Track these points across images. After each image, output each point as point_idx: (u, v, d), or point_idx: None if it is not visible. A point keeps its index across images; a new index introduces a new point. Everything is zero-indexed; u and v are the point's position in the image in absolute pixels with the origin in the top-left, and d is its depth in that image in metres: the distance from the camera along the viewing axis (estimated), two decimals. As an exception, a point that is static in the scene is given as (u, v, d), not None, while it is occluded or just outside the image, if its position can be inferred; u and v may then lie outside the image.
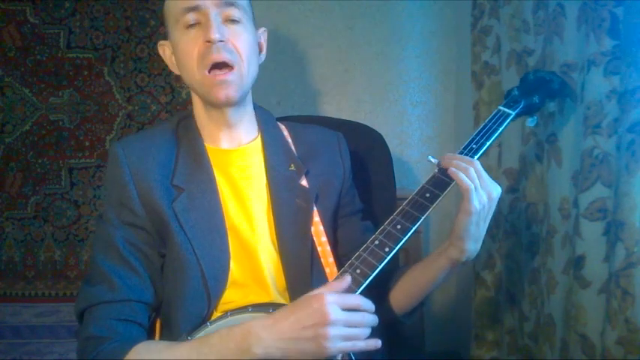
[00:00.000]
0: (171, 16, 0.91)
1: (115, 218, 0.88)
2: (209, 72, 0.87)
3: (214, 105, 0.91)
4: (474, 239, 0.84)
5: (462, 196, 0.82)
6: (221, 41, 0.86)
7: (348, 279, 0.78)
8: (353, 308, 0.75)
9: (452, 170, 0.83)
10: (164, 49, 0.97)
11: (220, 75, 0.87)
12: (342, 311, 0.73)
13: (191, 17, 0.87)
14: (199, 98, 0.94)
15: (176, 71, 0.96)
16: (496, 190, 0.83)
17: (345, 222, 1.02)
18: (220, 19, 0.87)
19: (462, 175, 0.82)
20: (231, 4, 0.88)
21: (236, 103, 0.92)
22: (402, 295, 0.96)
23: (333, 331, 0.72)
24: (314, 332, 0.72)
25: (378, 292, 0.96)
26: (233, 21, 0.89)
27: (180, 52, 0.90)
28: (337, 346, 0.72)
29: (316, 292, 0.76)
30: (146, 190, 0.88)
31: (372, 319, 0.76)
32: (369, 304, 0.76)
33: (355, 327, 0.74)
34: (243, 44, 0.89)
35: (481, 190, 0.82)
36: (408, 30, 1.73)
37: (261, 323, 0.74)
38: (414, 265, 0.97)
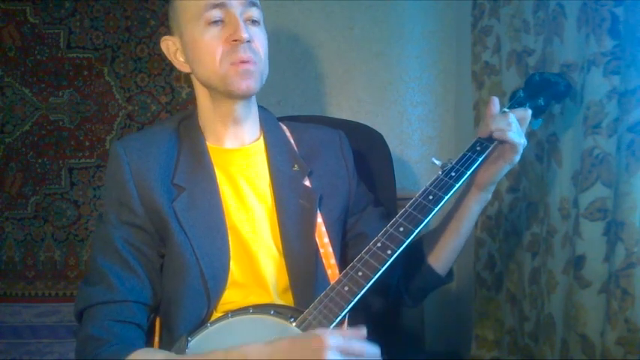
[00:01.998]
0: (189, 12, 0.89)
1: (115, 218, 0.88)
2: (232, 65, 0.88)
3: (233, 96, 0.91)
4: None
5: (505, 146, 0.87)
6: (248, 41, 0.87)
7: (362, 332, 0.73)
8: (355, 355, 0.71)
9: (505, 134, 0.87)
10: (168, 45, 0.95)
11: (244, 65, 0.88)
12: (342, 357, 0.69)
13: (216, 14, 0.87)
14: (210, 94, 0.93)
15: (182, 68, 0.95)
16: (527, 115, 0.94)
17: (363, 215, 1.03)
18: (243, 19, 0.88)
19: (512, 135, 0.86)
20: (254, 4, 0.90)
21: (251, 96, 0.93)
22: (442, 253, 0.97)
23: None
24: None
25: (414, 259, 0.98)
26: (254, 22, 0.90)
27: (200, 48, 0.89)
28: None
29: (321, 330, 0.73)
30: (146, 190, 0.88)
31: None
32: (373, 351, 0.72)
33: None
34: (262, 46, 0.91)
35: (524, 138, 0.88)
36: (408, 30, 1.73)
37: (260, 350, 0.73)
38: (439, 224, 0.98)
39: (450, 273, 1.01)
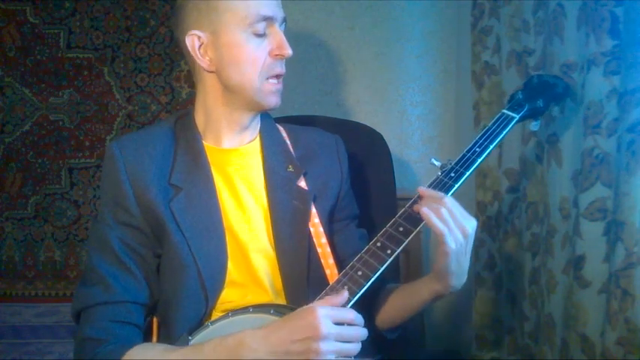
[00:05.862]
0: (234, 15, 0.87)
1: (111, 218, 0.88)
2: (267, 80, 0.91)
3: (258, 108, 0.94)
4: (456, 275, 0.83)
5: (437, 239, 0.80)
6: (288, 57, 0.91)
7: (344, 294, 0.78)
8: (346, 322, 0.74)
9: (424, 213, 0.80)
10: (194, 40, 0.90)
11: (277, 84, 0.92)
12: (335, 325, 0.73)
13: (262, 27, 0.88)
14: (225, 99, 0.92)
15: (205, 65, 0.90)
16: (471, 226, 0.81)
17: (342, 227, 1.02)
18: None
19: (435, 219, 0.79)
20: (285, 20, 0.93)
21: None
22: (385, 315, 0.97)
23: (324, 345, 0.71)
24: (305, 346, 0.72)
25: (363, 306, 0.96)
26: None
27: (241, 55, 0.89)
28: None
29: (310, 305, 0.76)
30: (142, 190, 0.88)
31: (363, 333, 0.76)
32: (360, 319, 0.76)
33: (347, 342, 0.74)
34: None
35: (456, 230, 0.79)
36: (408, 30, 1.73)
37: (254, 334, 0.74)
38: (398, 289, 0.97)
39: (395, 331, 0.99)
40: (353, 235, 1.03)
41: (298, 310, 0.76)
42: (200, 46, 0.90)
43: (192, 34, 0.89)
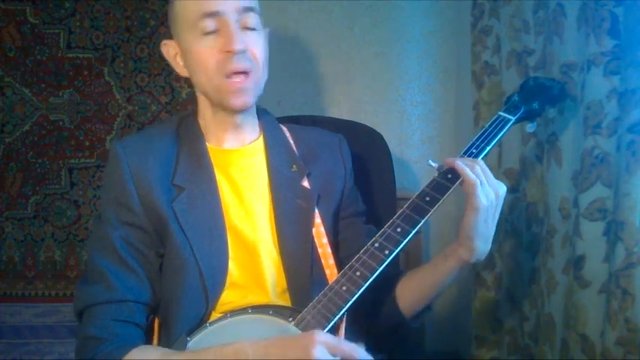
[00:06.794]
0: (184, 19, 0.88)
1: (114, 217, 0.88)
2: (226, 78, 0.86)
3: (228, 111, 0.91)
4: (483, 238, 0.83)
5: (468, 194, 0.82)
6: (243, 52, 0.85)
7: (362, 351, 0.72)
8: (344, 356, 0.71)
9: (458, 165, 0.83)
10: (168, 50, 0.94)
11: (238, 83, 0.87)
12: (329, 355, 0.70)
13: (210, 24, 0.85)
14: (209, 102, 0.93)
15: (182, 73, 0.94)
16: (502, 188, 0.83)
17: (349, 224, 1.02)
18: (239, 26, 0.86)
19: (468, 170, 0.82)
20: (250, 10, 0.87)
21: (248, 110, 0.93)
22: (410, 298, 0.96)
23: None
24: None
25: (383, 294, 0.96)
26: (250, 28, 0.88)
27: (196, 58, 0.88)
28: None
29: (314, 330, 0.73)
30: (146, 190, 0.88)
31: None
32: (364, 355, 0.71)
33: None
34: (260, 52, 0.89)
35: (487, 186, 0.82)
36: (408, 30, 1.73)
37: (253, 345, 0.74)
38: (420, 268, 0.96)
39: (416, 318, 0.98)
40: (360, 231, 1.02)
41: (304, 332, 0.76)
42: (176, 54, 0.93)
43: (165, 45, 0.94)
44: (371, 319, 0.98)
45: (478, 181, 0.81)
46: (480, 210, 0.80)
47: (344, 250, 1.00)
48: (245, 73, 0.87)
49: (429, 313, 1.01)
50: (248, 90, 0.88)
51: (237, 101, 0.88)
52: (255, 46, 0.88)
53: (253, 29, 0.88)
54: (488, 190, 0.81)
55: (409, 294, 0.96)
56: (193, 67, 0.89)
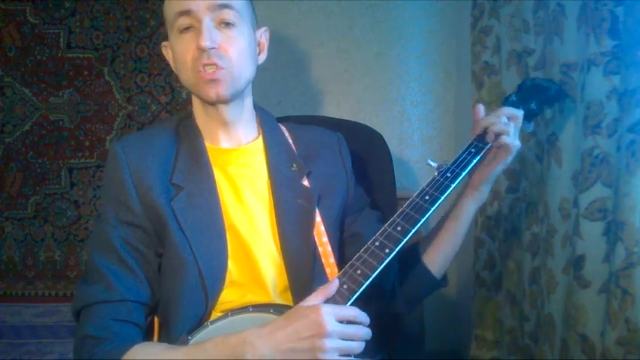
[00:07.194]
0: (167, 19, 0.92)
1: (113, 217, 0.88)
2: (200, 70, 0.88)
3: (208, 103, 0.93)
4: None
5: (501, 148, 0.91)
6: (212, 48, 0.86)
7: (335, 282, 0.80)
8: (349, 320, 0.75)
9: (501, 137, 0.91)
10: (167, 51, 0.98)
11: (210, 74, 0.87)
12: (338, 323, 0.74)
13: (184, 21, 0.88)
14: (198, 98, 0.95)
15: (176, 72, 0.96)
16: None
17: (359, 216, 1.03)
18: (214, 23, 0.88)
19: (510, 139, 0.90)
20: (225, 7, 0.88)
21: (229, 101, 0.92)
22: (438, 254, 0.99)
23: (329, 343, 0.72)
24: (310, 344, 0.72)
25: (410, 261, 0.99)
26: (227, 24, 0.88)
27: (176, 56, 0.92)
28: (333, 358, 0.73)
29: (309, 301, 0.76)
30: (145, 189, 0.88)
31: (367, 333, 0.77)
32: (364, 317, 0.77)
33: (350, 339, 0.75)
34: (235, 49, 0.89)
35: (515, 130, 0.92)
36: (408, 30, 1.73)
37: (257, 332, 0.74)
38: (438, 226, 1.00)
39: (445, 277, 1.02)
40: (371, 217, 1.04)
41: (299, 306, 0.76)
42: (171, 56, 0.96)
43: (164, 46, 0.99)
44: (394, 294, 1.01)
45: (517, 144, 0.91)
46: (507, 164, 0.92)
47: (359, 242, 0.96)
48: (215, 64, 0.87)
49: (422, 308, 1.05)
50: (221, 81, 0.88)
51: (210, 91, 0.89)
52: (229, 43, 0.88)
53: (231, 25, 0.89)
54: (518, 144, 0.92)
55: (438, 251, 0.99)
56: (176, 64, 0.93)
